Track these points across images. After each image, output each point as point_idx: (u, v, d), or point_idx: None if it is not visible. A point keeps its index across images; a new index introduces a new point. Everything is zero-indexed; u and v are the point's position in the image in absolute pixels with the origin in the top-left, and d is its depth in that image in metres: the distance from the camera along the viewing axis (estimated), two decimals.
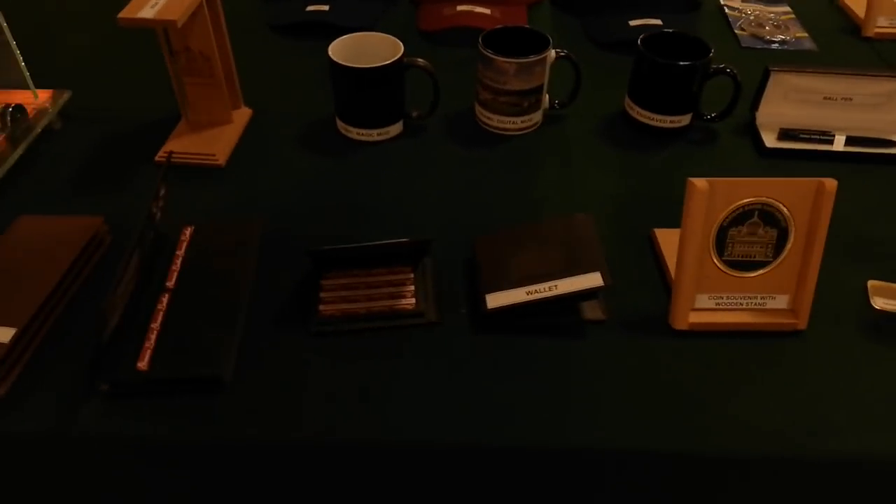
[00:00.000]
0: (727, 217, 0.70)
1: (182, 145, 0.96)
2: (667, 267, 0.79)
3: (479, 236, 0.81)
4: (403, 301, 0.75)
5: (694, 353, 0.72)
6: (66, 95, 1.03)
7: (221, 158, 0.95)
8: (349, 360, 0.71)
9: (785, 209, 0.70)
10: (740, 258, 0.72)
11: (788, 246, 0.72)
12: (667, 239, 0.82)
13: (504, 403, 0.67)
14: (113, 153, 0.98)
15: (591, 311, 0.75)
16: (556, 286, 0.73)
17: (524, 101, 0.98)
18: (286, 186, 0.92)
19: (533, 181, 0.93)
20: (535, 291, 0.73)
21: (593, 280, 0.72)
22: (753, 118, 1.02)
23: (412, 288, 0.76)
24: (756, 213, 0.70)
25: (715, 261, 0.72)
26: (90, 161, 0.96)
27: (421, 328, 0.74)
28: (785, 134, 0.99)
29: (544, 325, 0.74)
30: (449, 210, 0.89)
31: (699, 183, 0.69)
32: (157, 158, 0.95)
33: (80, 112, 1.03)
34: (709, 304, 0.74)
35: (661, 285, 0.79)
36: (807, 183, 0.69)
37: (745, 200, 0.70)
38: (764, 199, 0.70)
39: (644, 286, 0.79)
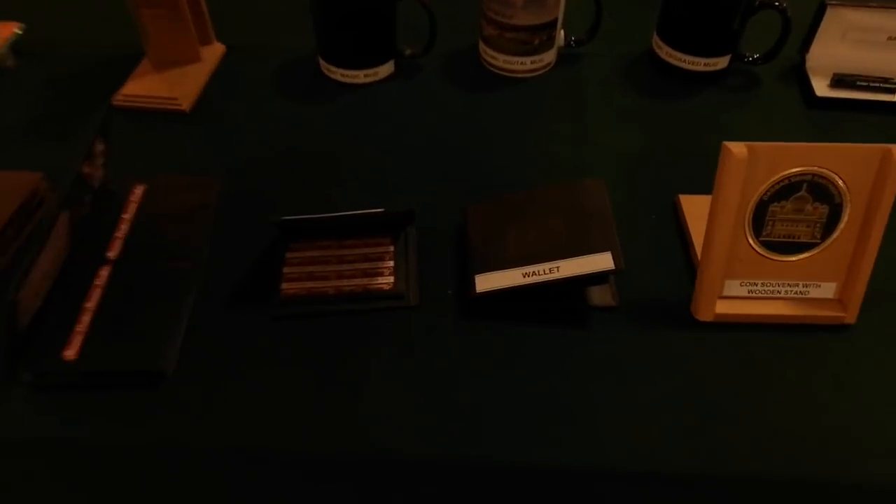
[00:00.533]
0: (769, 190, 0.58)
1: (142, 87, 0.85)
2: (692, 243, 0.67)
3: (472, 205, 0.69)
4: (380, 280, 0.64)
5: (720, 350, 0.61)
6: (17, 29, 0.91)
7: (185, 103, 0.83)
8: (314, 349, 0.61)
9: (841, 182, 0.57)
10: (781, 238, 0.60)
11: (841, 226, 0.59)
12: (694, 208, 0.70)
13: (491, 407, 0.57)
14: (67, 95, 0.86)
15: (600, 296, 0.64)
16: (557, 268, 0.61)
17: (534, 39, 0.85)
18: (258, 137, 0.81)
19: (541, 134, 0.81)
20: (534, 273, 0.62)
21: (603, 262, 0.60)
22: (803, 61, 0.87)
23: (391, 264, 0.66)
24: (805, 185, 0.58)
25: (750, 241, 0.60)
26: (41, 104, 0.85)
27: (400, 313, 0.63)
28: (839, 81, 0.84)
29: (543, 311, 0.63)
30: (441, 168, 0.77)
31: (736, 148, 0.56)
32: (114, 102, 0.84)
33: (33, 48, 0.92)
34: (740, 292, 0.62)
35: (685, 264, 0.67)
36: (870, 150, 0.56)
37: (793, 170, 0.57)
38: (816, 168, 0.57)
39: (664, 265, 0.67)
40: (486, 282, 0.63)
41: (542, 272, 0.62)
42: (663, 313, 0.63)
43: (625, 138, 0.80)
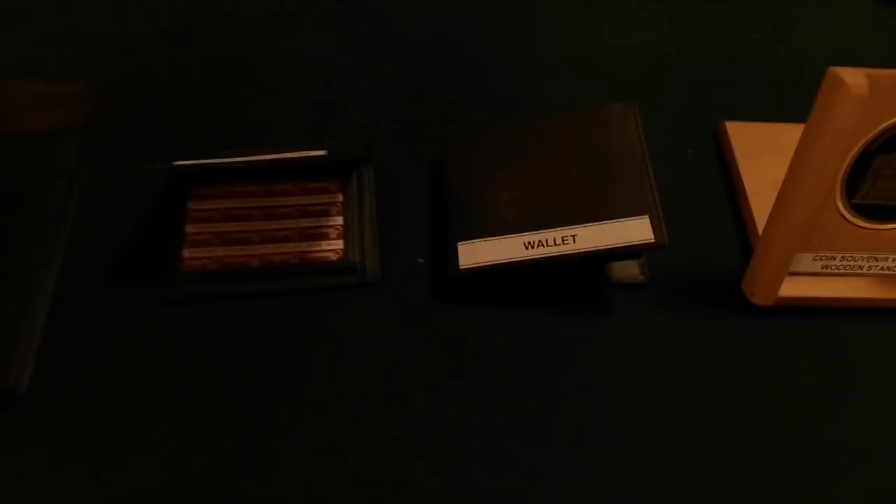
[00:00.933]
0: (880, 136, 0.41)
1: None
2: (744, 193, 0.51)
3: (455, 132, 0.50)
4: (325, 245, 0.46)
5: (784, 342, 0.46)
6: None
7: None
8: (227, 344, 0.43)
9: None
10: (878, 201, 0.44)
11: None
12: (745, 142, 0.53)
13: (478, 442, 0.41)
14: None
15: (624, 269, 0.47)
16: (574, 237, 0.44)
17: None
18: (147, 27, 0.58)
19: (545, 31, 0.61)
20: (540, 244, 0.44)
21: (638, 232, 0.43)
22: None
23: (339, 221, 0.47)
24: None
25: (839, 204, 0.44)
26: None
27: (352, 293, 0.46)
28: None
29: (548, 290, 0.46)
30: (414, 73, 0.57)
31: (852, 78, 0.38)
32: None
33: None
34: (812, 267, 0.47)
35: (730, 220, 0.51)
36: None
37: None
38: None
39: (705, 223, 0.51)
40: (473, 253, 0.45)
41: (551, 242, 0.44)
42: (706, 292, 0.48)
43: (648, 35, 0.61)
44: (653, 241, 0.43)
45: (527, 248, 0.44)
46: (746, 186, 0.51)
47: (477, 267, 0.45)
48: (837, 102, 0.39)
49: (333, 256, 0.46)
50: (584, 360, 0.44)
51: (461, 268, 0.45)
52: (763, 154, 0.53)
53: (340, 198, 0.48)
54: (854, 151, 0.41)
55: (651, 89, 0.58)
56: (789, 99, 0.57)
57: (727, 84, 0.58)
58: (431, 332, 0.45)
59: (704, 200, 0.52)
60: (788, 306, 0.47)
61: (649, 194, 0.44)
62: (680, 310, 0.47)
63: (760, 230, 0.49)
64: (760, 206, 0.50)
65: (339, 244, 0.46)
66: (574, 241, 0.44)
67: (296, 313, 0.45)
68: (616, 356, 0.44)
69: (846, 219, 0.45)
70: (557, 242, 0.44)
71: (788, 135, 0.51)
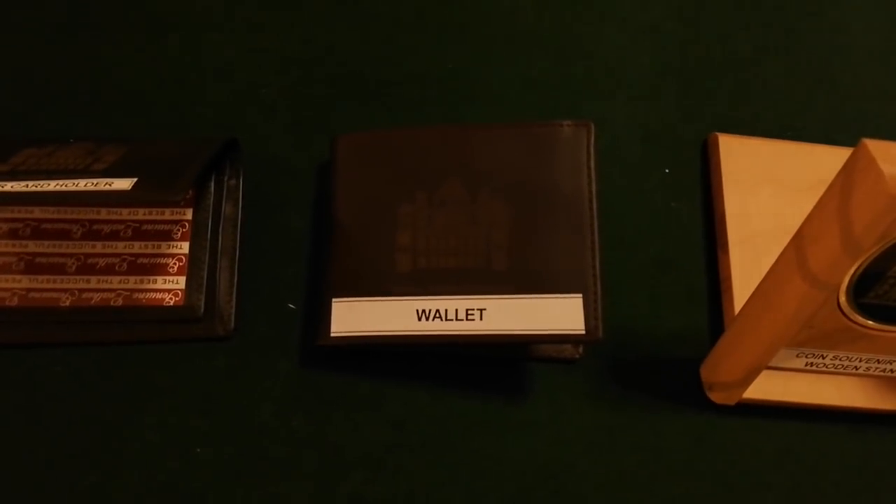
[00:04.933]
0: None
1: None
2: (724, 238, 0.39)
3: (342, 136, 0.38)
4: (159, 282, 0.35)
5: (743, 447, 0.36)
6: None
7: None
8: (23, 422, 0.34)
9: None
10: (893, 303, 0.32)
11: None
12: (738, 159, 0.41)
13: None
14: None
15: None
16: (481, 311, 0.33)
17: None
18: None
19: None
20: (437, 315, 0.33)
21: (565, 316, 0.32)
22: None
23: (183, 250, 0.36)
24: None
25: (842, 300, 0.32)
26: None
27: (193, 347, 0.35)
28: None
29: (454, 365, 0.36)
30: (321, 39, 0.43)
31: (891, 166, 0.26)
32: None
33: None
34: (793, 363, 0.36)
35: (702, 272, 0.39)
36: None
37: None
38: None
39: (668, 272, 0.39)
40: (351, 317, 0.34)
41: (451, 314, 0.33)
42: (656, 372, 0.37)
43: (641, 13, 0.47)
44: (582, 333, 0.32)
45: (420, 317, 0.33)
46: (729, 232, 0.39)
47: (353, 337, 0.34)
48: (867, 191, 0.27)
49: (170, 299, 0.35)
50: (483, 460, 0.34)
51: (332, 334, 0.34)
52: (759, 185, 0.41)
53: (190, 214, 0.36)
54: (879, 248, 0.30)
55: (617, 73, 0.45)
56: (801, 111, 0.44)
57: (721, 80, 0.45)
58: (288, 412, 0.34)
59: (672, 243, 0.40)
60: (756, 404, 0.37)
61: (589, 262, 0.33)
62: (619, 394, 0.36)
63: (736, 297, 0.38)
64: (743, 262, 0.39)
65: (180, 282, 0.35)
66: (481, 318, 0.33)
67: (116, 371, 0.35)
68: (529, 456, 0.35)
69: (848, 317, 0.33)
70: (460, 316, 0.33)
71: (795, 159, 0.40)
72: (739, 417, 0.36)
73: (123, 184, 0.29)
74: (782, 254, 0.32)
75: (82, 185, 0.29)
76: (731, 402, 0.36)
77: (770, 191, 0.40)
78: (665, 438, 0.36)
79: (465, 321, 0.33)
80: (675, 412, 0.36)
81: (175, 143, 0.35)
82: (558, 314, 0.32)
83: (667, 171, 0.42)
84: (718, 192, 0.41)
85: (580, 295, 0.32)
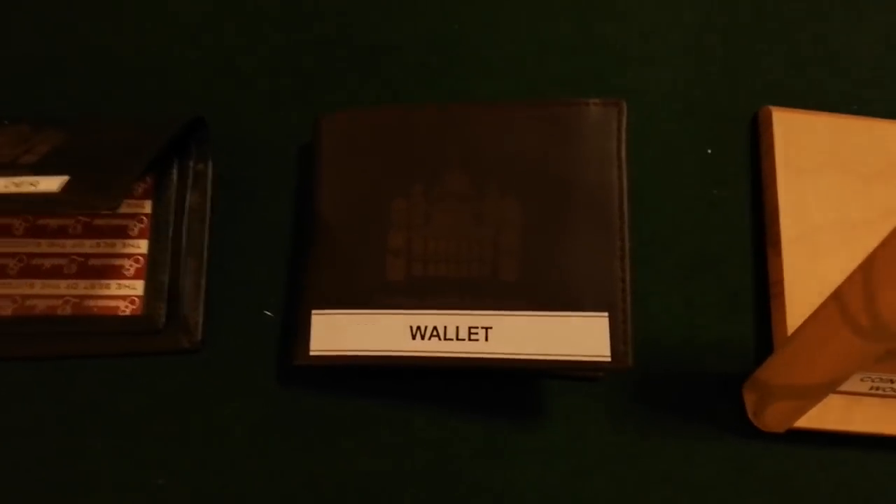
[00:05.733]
0: None
1: None
2: (777, 234, 0.33)
3: (326, 116, 0.32)
4: (113, 287, 0.30)
5: (792, 475, 0.31)
6: None
7: None
8: None
9: None
10: None
11: None
12: (795, 139, 0.35)
13: None
14: None
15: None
16: (487, 330, 0.28)
17: None
18: None
19: None
20: (435, 334, 0.28)
21: (588, 339, 0.27)
22: None
23: (141, 249, 0.31)
24: None
25: None
26: None
27: (155, 361, 0.31)
28: None
29: (456, 381, 0.31)
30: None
31: None
32: None
33: None
34: (856, 387, 0.31)
35: (749, 273, 0.34)
36: None
37: None
38: None
39: (709, 272, 0.34)
40: (334, 332, 0.29)
41: (451, 333, 0.28)
42: (690, 395, 0.32)
43: None
44: (607, 360, 0.27)
45: (414, 335, 0.28)
46: (782, 226, 0.33)
47: (335, 356, 0.29)
48: None
49: (126, 307, 0.30)
50: (489, 493, 0.29)
51: (312, 353, 0.29)
52: (819, 169, 0.34)
53: (148, 207, 0.31)
54: None
55: (675, 49, 0.38)
56: (870, 80, 0.38)
57: (772, 49, 0.38)
58: (263, 436, 0.30)
59: (712, 238, 0.34)
60: (806, 430, 0.32)
61: (617, 273, 0.27)
62: (648, 417, 0.31)
63: (789, 304, 0.32)
64: (798, 262, 0.33)
65: (137, 287, 0.30)
66: (486, 339, 0.28)
67: (64, 390, 0.30)
68: (542, 489, 0.30)
69: None
70: (461, 335, 0.28)
71: (862, 138, 0.34)
72: (789, 445, 0.31)
73: (51, 184, 0.24)
74: (860, 269, 0.26)
75: (1, 186, 0.24)
76: (781, 429, 0.31)
77: (832, 177, 0.34)
78: (701, 469, 0.31)
79: (466, 341, 0.28)
80: (712, 439, 0.31)
81: (128, 125, 0.30)
82: (579, 336, 0.27)
83: (709, 151, 0.36)
84: (770, 177, 0.35)
85: (606, 313, 0.27)
